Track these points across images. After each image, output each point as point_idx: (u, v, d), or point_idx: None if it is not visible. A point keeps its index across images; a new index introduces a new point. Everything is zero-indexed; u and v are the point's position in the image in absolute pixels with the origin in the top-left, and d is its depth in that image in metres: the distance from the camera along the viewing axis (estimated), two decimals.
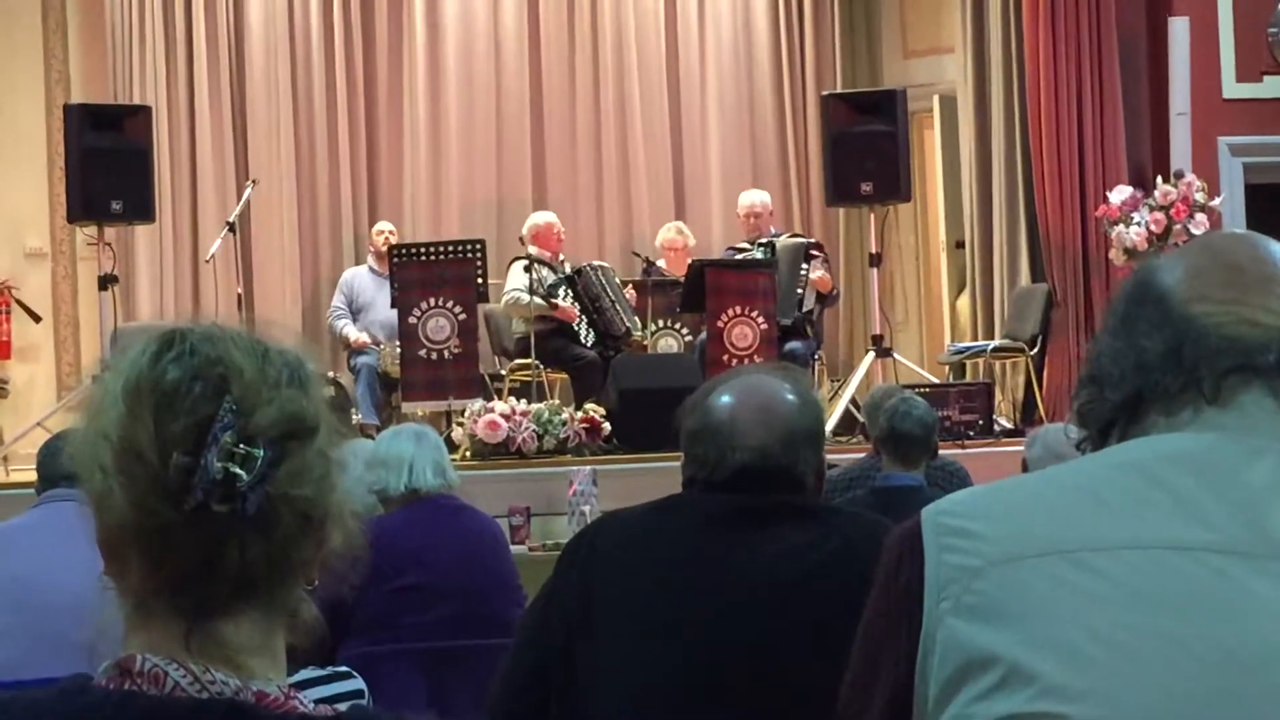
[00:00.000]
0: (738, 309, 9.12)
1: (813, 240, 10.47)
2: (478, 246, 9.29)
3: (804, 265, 9.94)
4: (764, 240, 10.11)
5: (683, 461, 2.73)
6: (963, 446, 8.41)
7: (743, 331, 9.10)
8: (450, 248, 9.33)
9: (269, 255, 11.17)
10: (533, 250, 9.90)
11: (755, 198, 10.44)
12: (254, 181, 10.60)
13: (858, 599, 1.54)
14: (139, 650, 1.32)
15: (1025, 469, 4.63)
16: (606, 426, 8.76)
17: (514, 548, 6.08)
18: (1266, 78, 10.43)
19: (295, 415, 1.34)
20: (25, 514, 4.13)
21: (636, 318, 10.03)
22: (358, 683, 3.29)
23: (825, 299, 10.17)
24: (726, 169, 11.75)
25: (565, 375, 9.85)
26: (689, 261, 10.01)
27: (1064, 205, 10.28)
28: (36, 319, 10.63)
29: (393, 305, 9.33)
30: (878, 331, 10.05)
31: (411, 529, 4.67)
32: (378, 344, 9.96)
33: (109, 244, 9.63)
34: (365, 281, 10.34)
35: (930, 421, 5.32)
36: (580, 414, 8.77)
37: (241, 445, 1.30)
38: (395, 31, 11.50)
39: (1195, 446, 1.43)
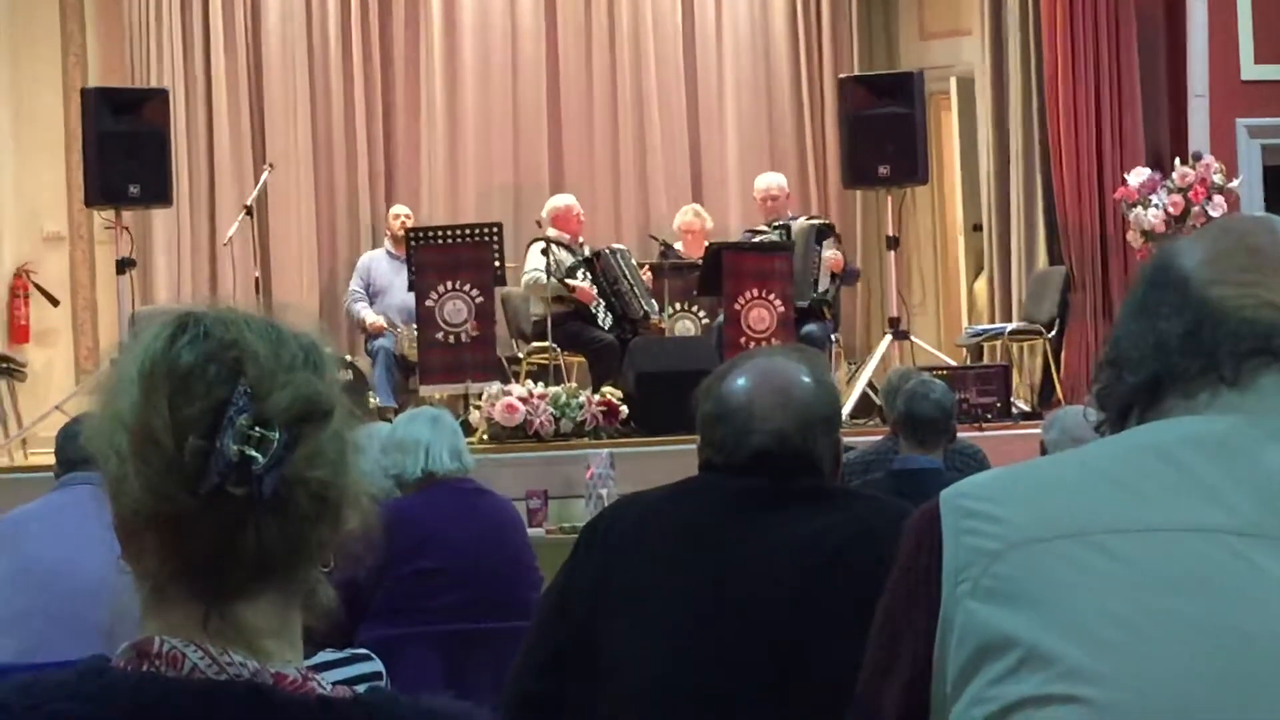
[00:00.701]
0: (755, 292, 9.12)
1: (826, 221, 10.45)
2: (495, 230, 9.30)
3: (817, 246, 9.92)
4: (781, 223, 10.09)
5: (699, 445, 2.73)
6: (980, 429, 8.41)
7: (760, 314, 9.09)
8: (467, 231, 9.34)
9: (286, 239, 11.18)
10: (552, 232, 9.90)
11: (772, 180, 10.41)
12: (271, 165, 10.61)
13: (876, 582, 1.53)
14: (157, 633, 1.32)
15: (1043, 452, 4.62)
16: (624, 409, 8.76)
17: (531, 531, 6.08)
18: None
19: (310, 398, 1.34)
20: (44, 498, 4.14)
21: (654, 301, 10.02)
22: (376, 665, 3.29)
23: (842, 278, 10.16)
24: (743, 152, 11.72)
25: (582, 358, 9.85)
26: (706, 244, 10.00)
27: (1081, 187, 10.24)
28: (54, 303, 10.66)
29: (410, 289, 9.33)
30: (895, 314, 10.04)
31: (428, 512, 4.68)
32: (395, 327, 9.96)
33: (126, 228, 9.65)
34: (382, 265, 10.34)
35: (948, 404, 5.31)
36: (597, 397, 8.77)
37: (257, 428, 1.30)
38: (412, 15, 11.48)
39: (1214, 429, 1.42)
